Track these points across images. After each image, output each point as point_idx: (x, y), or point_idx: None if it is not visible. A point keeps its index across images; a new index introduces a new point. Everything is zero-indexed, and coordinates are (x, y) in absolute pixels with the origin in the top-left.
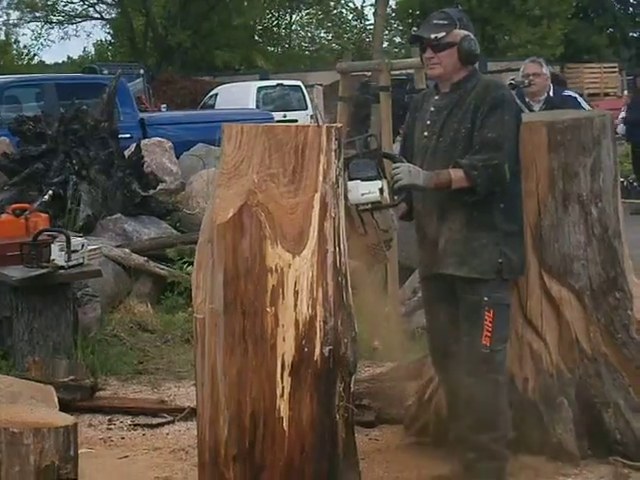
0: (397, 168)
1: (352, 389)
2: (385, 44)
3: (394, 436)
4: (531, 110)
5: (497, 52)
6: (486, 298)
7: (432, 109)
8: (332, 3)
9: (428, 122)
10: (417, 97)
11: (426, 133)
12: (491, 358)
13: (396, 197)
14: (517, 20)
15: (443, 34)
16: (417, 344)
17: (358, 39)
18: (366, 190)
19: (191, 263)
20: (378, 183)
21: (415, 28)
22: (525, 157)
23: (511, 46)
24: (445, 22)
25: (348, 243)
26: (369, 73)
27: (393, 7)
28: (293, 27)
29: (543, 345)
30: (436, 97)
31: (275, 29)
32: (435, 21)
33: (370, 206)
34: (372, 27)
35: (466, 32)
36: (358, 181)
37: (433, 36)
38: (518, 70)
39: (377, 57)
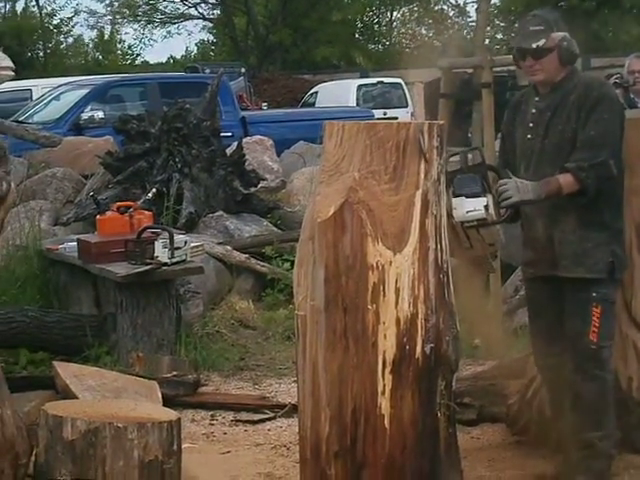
0: (504, 185)
1: (453, 387)
2: (487, 41)
3: (496, 434)
4: (636, 107)
5: (603, 49)
6: (594, 294)
7: (533, 111)
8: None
9: (530, 124)
10: (515, 97)
11: (529, 135)
12: (598, 354)
13: (502, 211)
14: (623, 16)
15: (543, 41)
16: (519, 342)
17: (459, 36)
18: (471, 207)
19: (290, 261)
20: (483, 200)
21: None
22: (630, 154)
23: (618, 43)
24: (542, 27)
25: (453, 256)
26: (471, 70)
27: (496, 3)
28: (393, 24)
29: None
30: (536, 98)
31: (376, 27)
32: (531, 27)
33: (476, 223)
34: (474, 24)
35: (563, 33)
36: (463, 198)
37: (534, 45)
38: (621, 66)
39: (479, 54)
